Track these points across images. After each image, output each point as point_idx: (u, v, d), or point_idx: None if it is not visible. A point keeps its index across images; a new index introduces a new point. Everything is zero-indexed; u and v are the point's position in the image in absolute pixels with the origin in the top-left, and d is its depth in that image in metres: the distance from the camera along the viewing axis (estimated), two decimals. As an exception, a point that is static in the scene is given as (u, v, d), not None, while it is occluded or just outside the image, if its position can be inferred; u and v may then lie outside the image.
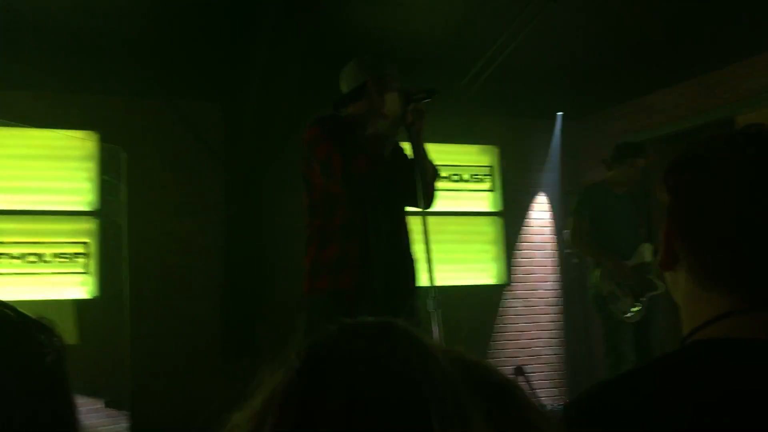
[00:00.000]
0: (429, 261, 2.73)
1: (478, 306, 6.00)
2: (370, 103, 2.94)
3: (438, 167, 3.02)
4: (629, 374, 0.93)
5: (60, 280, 5.29)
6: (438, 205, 5.78)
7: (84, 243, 5.43)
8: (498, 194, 6.36)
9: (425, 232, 2.74)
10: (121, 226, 5.52)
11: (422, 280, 3.00)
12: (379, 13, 5.08)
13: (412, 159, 2.88)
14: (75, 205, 5.48)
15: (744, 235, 0.90)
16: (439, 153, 5.74)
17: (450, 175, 6.25)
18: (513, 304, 6.18)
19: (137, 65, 5.32)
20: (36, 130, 5.38)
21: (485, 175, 6.36)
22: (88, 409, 4.73)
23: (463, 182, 6.29)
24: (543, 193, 6.57)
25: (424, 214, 2.78)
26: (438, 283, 2.73)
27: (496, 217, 6.34)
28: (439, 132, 5.97)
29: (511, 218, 6.37)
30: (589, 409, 0.89)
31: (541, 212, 6.57)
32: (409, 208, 2.99)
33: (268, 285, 5.62)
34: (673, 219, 0.97)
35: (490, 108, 6.23)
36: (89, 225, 5.46)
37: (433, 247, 5.78)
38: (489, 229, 6.30)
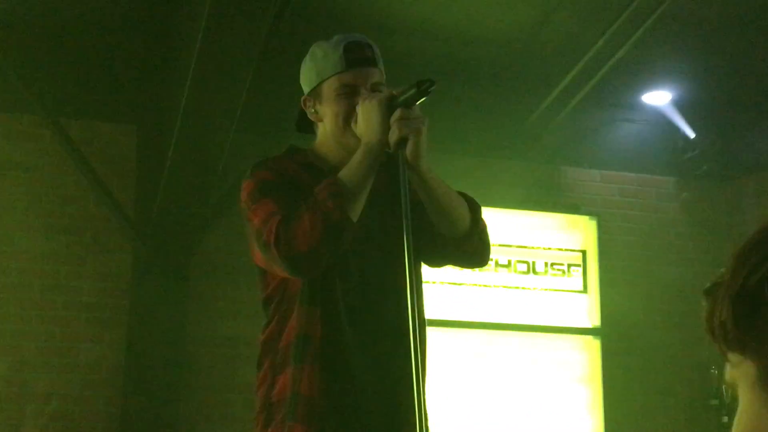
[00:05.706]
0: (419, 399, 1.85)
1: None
2: (326, 124, 2.18)
3: (477, 202, 2.10)
4: None
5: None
6: (492, 314, 4.92)
7: None
8: (595, 297, 5.01)
9: (417, 346, 1.81)
10: None
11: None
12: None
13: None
14: None
15: None
16: (494, 225, 4.72)
17: (511, 263, 4.89)
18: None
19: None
20: None
21: (573, 264, 5.04)
22: None
23: (535, 275, 4.88)
24: (680, 296, 5.05)
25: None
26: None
27: (590, 337, 4.96)
28: (495, 193, 4.74)
29: (615, 339, 4.87)
30: None
31: (671, 326, 5.01)
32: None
33: None
34: None
35: (580, 153, 5.09)
36: None
37: (478, 387, 4.73)
38: (577, 358, 4.88)
